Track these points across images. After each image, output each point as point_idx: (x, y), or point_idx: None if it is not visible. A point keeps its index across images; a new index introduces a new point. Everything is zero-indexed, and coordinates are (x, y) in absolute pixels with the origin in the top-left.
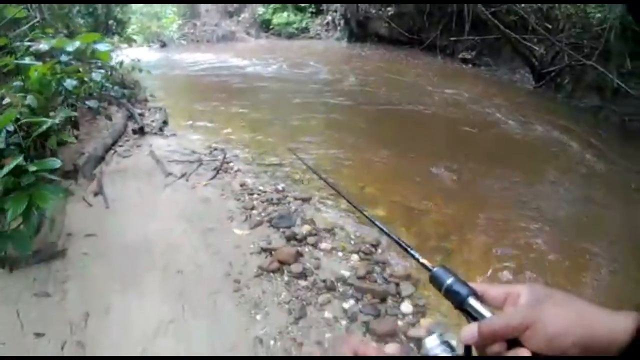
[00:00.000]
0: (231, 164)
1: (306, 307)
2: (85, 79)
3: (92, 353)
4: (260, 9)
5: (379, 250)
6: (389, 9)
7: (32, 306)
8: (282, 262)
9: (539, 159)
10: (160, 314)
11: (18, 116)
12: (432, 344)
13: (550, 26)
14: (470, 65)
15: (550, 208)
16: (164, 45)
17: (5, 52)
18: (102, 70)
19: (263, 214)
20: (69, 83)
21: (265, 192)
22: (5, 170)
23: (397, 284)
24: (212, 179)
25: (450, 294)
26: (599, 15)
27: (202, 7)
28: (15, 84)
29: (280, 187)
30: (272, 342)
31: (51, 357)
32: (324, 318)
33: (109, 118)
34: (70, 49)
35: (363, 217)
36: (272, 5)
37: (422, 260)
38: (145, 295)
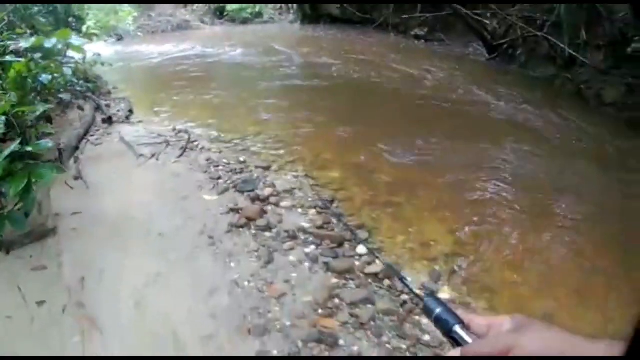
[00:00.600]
0: (196, 143)
1: (273, 254)
2: (56, 74)
3: (92, 310)
4: None
5: (335, 205)
6: None
7: (31, 280)
8: (249, 219)
9: (492, 127)
10: (148, 269)
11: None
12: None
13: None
14: (423, 42)
15: (506, 169)
16: (120, 38)
17: None
18: (72, 65)
19: (229, 182)
20: (45, 78)
21: (229, 164)
22: (7, 152)
23: (353, 232)
24: (180, 156)
25: (439, 322)
26: None
27: None
28: None
29: (242, 159)
30: (246, 283)
31: (52, 357)
32: (289, 261)
33: (82, 109)
34: (48, 45)
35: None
36: None
37: (415, 290)
38: (133, 256)
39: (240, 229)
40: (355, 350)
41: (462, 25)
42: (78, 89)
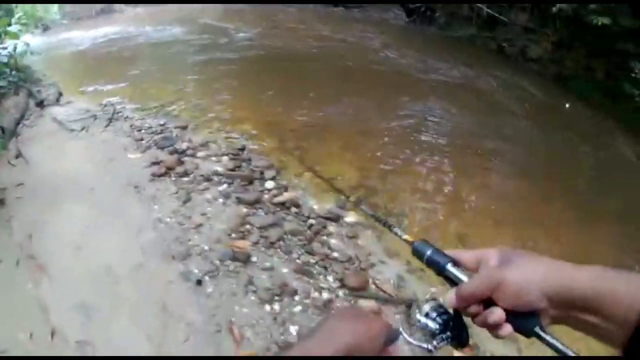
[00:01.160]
0: (120, 114)
1: (190, 194)
2: None
3: (41, 260)
4: None
5: (245, 153)
6: None
7: None
8: (168, 168)
9: (409, 84)
10: (84, 219)
11: None
12: (428, 308)
13: None
14: (342, 9)
15: (418, 118)
16: (47, 28)
17: None
18: (7, 54)
19: (150, 142)
20: None
21: (150, 127)
22: None
23: (262, 172)
24: (106, 126)
25: (431, 264)
26: None
27: None
28: None
29: (162, 122)
30: (168, 219)
31: (54, 357)
32: (205, 199)
33: (17, 94)
34: None
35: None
36: None
37: (404, 236)
38: (71, 211)
39: (161, 177)
40: (267, 265)
41: None
42: (10, 79)
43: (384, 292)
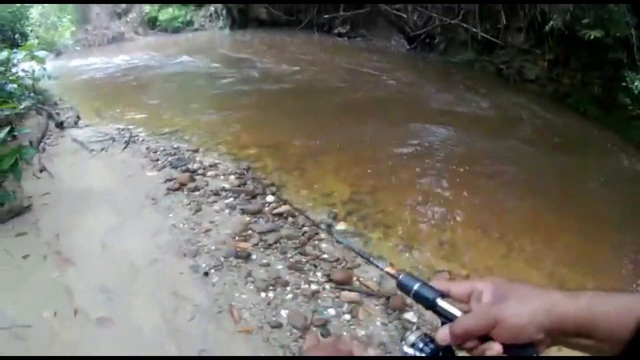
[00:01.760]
0: (137, 137)
1: (201, 205)
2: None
3: (67, 255)
4: (146, 7)
5: (249, 172)
6: None
7: (16, 243)
8: (182, 184)
9: (411, 108)
10: (107, 223)
11: None
12: (414, 338)
13: None
14: (346, 38)
15: (412, 140)
16: (59, 53)
17: None
18: (29, 78)
19: (165, 162)
20: (11, 87)
21: (165, 149)
22: (2, 134)
23: (264, 188)
24: (124, 148)
25: (419, 299)
26: None
27: (93, 10)
28: None
29: (175, 145)
30: (181, 225)
31: (55, 357)
32: (213, 210)
33: (40, 114)
34: (19, 56)
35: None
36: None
37: (386, 269)
38: (95, 216)
39: (176, 192)
40: (264, 262)
41: (383, 21)
42: (30, 101)
43: (367, 287)
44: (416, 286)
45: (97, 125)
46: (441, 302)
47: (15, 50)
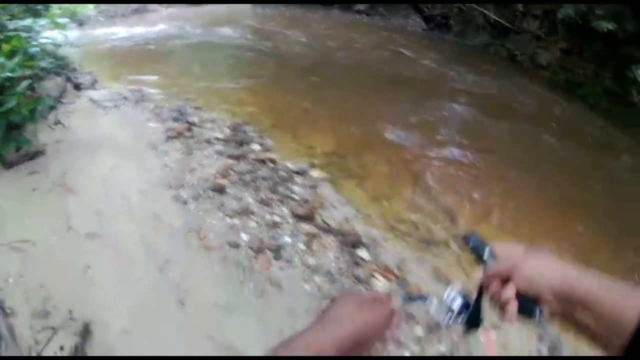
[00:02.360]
0: (148, 97)
1: (193, 150)
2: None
3: (70, 186)
4: None
5: (244, 126)
6: None
7: (28, 179)
8: (179, 133)
9: (422, 85)
10: (110, 163)
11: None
12: (451, 294)
13: None
14: (364, 16)
15: (412, 110)
16: (82, 24)
17: None
18: (51, 41)
19: (168, 116)
20: (35, 50)
21: (170, 107)
22: (24, 84)
23: (252, 139)
24: (135, 105)
25: (474, 250)
26: None
27: None
28: None
29: (181, 104)
30: (172, 165)
31: (56, 357)
32: (203, 154)
33: (59, 75)
34: (42, 23)
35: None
36: None
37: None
38: (100, 159)
39: (174, 139)
40: (238, 195)
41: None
42: (51, 64)
43: (327, 224)
44: (474, 237)
45: (113, 87)
46: (487, 254)
47: (38, 19)
